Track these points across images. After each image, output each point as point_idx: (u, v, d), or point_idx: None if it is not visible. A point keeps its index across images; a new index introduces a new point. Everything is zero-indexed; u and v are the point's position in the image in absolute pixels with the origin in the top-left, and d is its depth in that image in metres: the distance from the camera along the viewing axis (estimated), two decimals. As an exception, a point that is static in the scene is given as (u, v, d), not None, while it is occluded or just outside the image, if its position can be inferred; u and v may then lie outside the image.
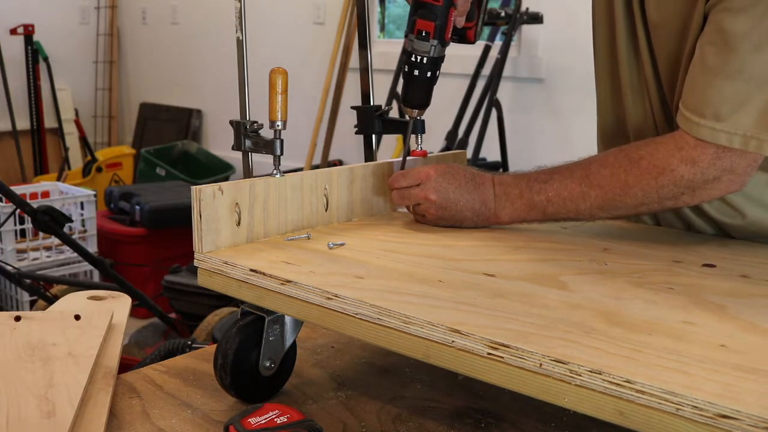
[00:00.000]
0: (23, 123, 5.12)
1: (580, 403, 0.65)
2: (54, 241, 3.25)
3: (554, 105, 3.44)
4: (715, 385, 0.61)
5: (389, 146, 3.84)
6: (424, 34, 1.11)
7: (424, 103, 1.16)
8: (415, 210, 1.11)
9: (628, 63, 1.12)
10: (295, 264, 0.90)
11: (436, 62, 1.12)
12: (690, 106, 0.96)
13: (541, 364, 0.67)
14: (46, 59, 5.17)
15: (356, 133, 1.24)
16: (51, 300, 2.43)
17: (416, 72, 1.12)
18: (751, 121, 0.92)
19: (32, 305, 3.01)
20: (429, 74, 1.12)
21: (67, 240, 2.44)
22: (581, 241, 1.05)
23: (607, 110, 1.18)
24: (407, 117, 1.18)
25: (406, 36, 1.13)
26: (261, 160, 1.06)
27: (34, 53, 5.13)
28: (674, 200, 0.99)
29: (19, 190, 3.08)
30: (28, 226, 3.19)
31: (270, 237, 1.01)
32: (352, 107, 1.25)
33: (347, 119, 3.99)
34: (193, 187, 0.93)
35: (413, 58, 1.12)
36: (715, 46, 0.94)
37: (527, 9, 3.33)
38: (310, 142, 4.15)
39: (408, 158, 1.18)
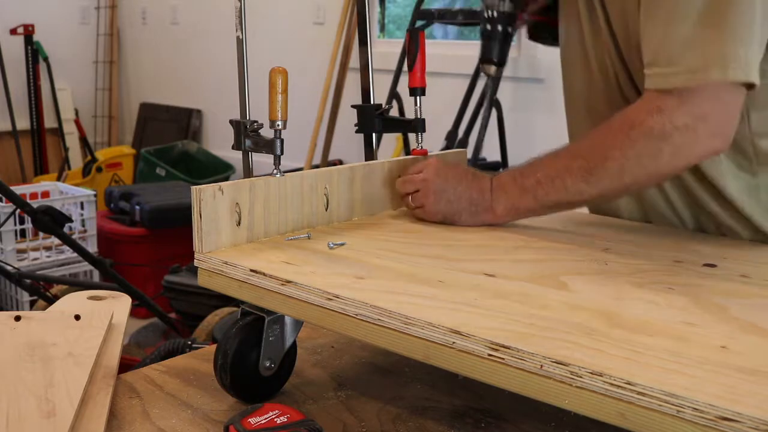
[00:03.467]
0: (23, 123, 5.12)
1: (581, 404, 0.65)
2: (54, 241, 3.25)
3: (554, 105, 3.44)
4: (716, 387, 0.61)
5: (389, 145, 3.84)
6: None
7: (498, 58, 1.20)
8: (414, 198, 1.12)
9: (604, 79, 1.13)
10: (296, 264, 0.90)
11: (508, 18, 1.17)
12: (647, 63, 0.98)
13: (541, 366, 0.66)
14: (46, 59, 5.17)
15: (357, 131, 1.24)
16: (51, 300, 2.43)
17: (489, 26, 1.18)
18: (697, 55, 0.94)
19: (32, 305, 3.01)
20: (501, 29, 1.18)
21: (67, 240, 2.44)
22: (582, 241, 1.05)
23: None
24: (483, 74, 1.24)
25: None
26: (261, 160, 1.06)
27: (34, 53, 5.13)
28: (654, 159, 0.97)
29: (19, 190, 3.08)
30: (28, 226, 3.19)
31: (270, 237, 1.01)
32: (353, 106, 1.25)
33: (347, 119, 3.99)
34: (193, 187, 0.93)
35: (486, 14, 1.18)
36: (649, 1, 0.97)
37: (527, 9, 3.32)
38: (310, 141, 4.15)
39: (407, 157, 1.19)
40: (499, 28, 1.17)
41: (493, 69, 1.21)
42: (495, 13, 1.17)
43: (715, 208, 1.09)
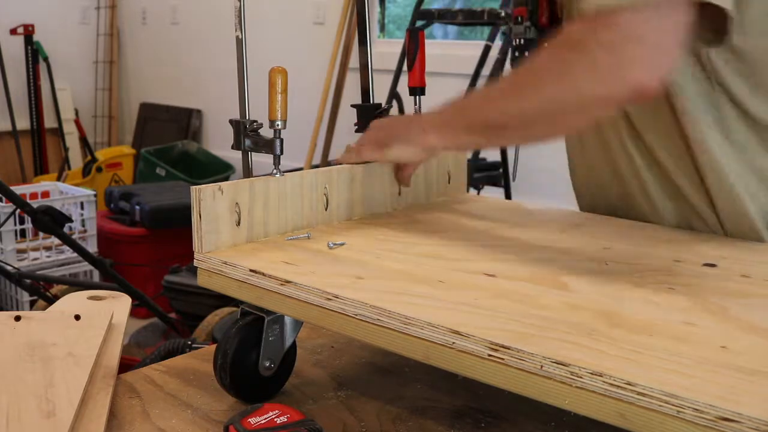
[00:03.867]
0: (23, 123, 5.12)
1: (581, 405, 0.65)
2: (54, 241, 3.25)
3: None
4: (716, 387, 0.61)
5: (389, 146, 3.84)
6: (519, 20, 1.23)
7: None
8: (357, 141, 1.13)
9: None
10: (295, 264, 0.90)
11: (534, 44, 1.22)
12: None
13: (542, 366, 0.66)
14: (46, 59, 5.17)
15: (356, 131, 1.24)
16: (51, 300, 2.43)
17: (517, 54, 1.23)
18: None
19: (32, 305, 3.01)
20: (528, 54, 1.23)
21: (67, 240, 2.44)
22: (582, 240, 1.05)
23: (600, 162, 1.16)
24: None
25: (510, 31, 1.29)
26: (261, 160, 1.06)
27: (34, 53, 5.13)
28: (570, 73, 0.89)
29: (19, 190, 3.08)
30: (28, 226, 3.19)
31: (270, 237, 1.00)
32: (353, 105, 1.25)
33: (347, 119, 3.98)
34: (193, 187, 0.93)
35: (514, 42, 1.26)
36: None
37: (528, 9, 3.32)
38: (310, 141, 4.15)
39: None
40: (527, 54, 1.24)
41: None
42: (522, 41, 1.23)
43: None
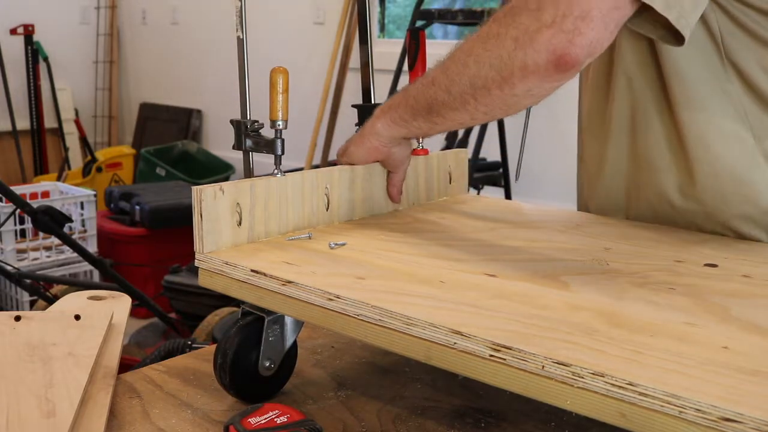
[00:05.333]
0: (23, 123, 5.13)
1: (582, 405, 0.65)
2: (54, 241, 3.25)
3: (554, 105, 3.44)
4: (718, 387, 0.61)
5: (389, 146, 3.84)
6: None
7: None
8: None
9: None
10: (296, 264, 0.90)
11: None
12: None
13: (543, 367, 0.66)
14: (46, 59, 5.17)
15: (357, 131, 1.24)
16: (51, 300, 2.43)
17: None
18: None
19: (32, 305, 3.01)
20: None
21: (67, 240, 2.44)
22: (582, 241, 1.05)
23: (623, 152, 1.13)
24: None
25: None
26: (261, 160, 1.06)
27: (34, 53, 5.13)
28: (498, 41, 0.86)
29: (19, 190, 3.08)
30: (28, 226, 3.19)
31: (271, 237, 1.00)
32: (353, 105, 1.25)
33: (347, 119, 3.99)
34: (194, 188, 0.93)
35: None
36: None
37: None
38: (310, 142, 4.15)
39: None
40: None
41: None
42: None
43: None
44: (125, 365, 1.08)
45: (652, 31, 0.91)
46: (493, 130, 3.35)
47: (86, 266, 3.28)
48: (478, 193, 3.14)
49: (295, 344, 0.97)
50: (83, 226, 3.46)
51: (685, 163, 1.07)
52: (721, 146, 1.04)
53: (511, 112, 0.94)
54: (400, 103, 1.01)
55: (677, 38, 0.89)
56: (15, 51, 5.10)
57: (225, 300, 2.46)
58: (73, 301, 1.15)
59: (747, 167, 1.04)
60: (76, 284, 2.81)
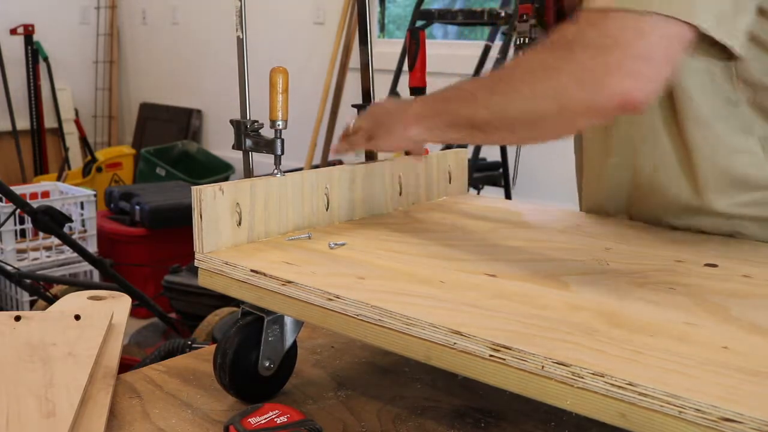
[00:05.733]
0: (23, 123, 5.12)
1: (582, 405, 0.65)
2: (54, 241, 3.25)
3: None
4: (717, 387, 0.61)
5: (389, 146, 3.84)
6: (524, 17, 1.19)
7: None
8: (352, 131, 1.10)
9: None
10: (296, 264, 0.90)
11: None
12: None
13: (543, 367, 0.66)
14: (46, 59, 5.17)
15: (357, 132, 1.24)
16: (51, 300, 2.43)
17: (521, 53, 1.20)
18: None
19: (32, 305, 3.01)
20: None
21: (67, 240, 2.44)
22: (582, 240, 1.05)
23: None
24: None
25: (514, 29, 1.22)
26: (261, 160, 1.06)
27: (34, 53, 5.13)
28: (556, 73, 0.84)
29: (19, 190, 3.07)
30: (28, 226, 3.19)
31: (271, 237, 1.00)
32: (353, 105, 1.25)
33: (347, 119, 3.98)
34: (194, 188, 0.93)
35: (517, 41, 1.21)
36: None
37: (528, 9, 3.32)
38: (310, 142, 4.15)
39: (408, 156, 1.19)
40: None
41: None
42: (527, 40, 1.19)
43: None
44: (125, 365, 1.08)
45: (706, 52, 0.92)
46: (493, 130, 3.35)
47: (86, 266, 3.28)
48: (478, 193, 3.14)
49: (294, 344, 0.97)
50: (83, 226, 3.46)
51: (693, 177, 1.06)
52: (729, 160, 1.03)
53: (555, 138, 0.94)
54: (435, 113, 0.99)
55: (726, 51, 0.89)
56: (15, 51, 5.10)
57: (225, 300, 2.46)
58: (73, 301, 1.15)
59: (756, 177, 1.04)
60: (76, 284, 2.81)
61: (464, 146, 3.36)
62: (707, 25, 0.83)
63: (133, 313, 1.20)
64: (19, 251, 3.29)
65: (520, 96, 0.88)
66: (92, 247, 3.39)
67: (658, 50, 0.82)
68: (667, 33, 0.82)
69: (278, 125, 0.99)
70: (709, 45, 0.90)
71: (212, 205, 0.93)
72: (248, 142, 1.03)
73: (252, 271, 0.89)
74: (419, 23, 3.43)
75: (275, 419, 0.80)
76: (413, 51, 1.19)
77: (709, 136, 1.02)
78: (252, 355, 0.93)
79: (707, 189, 1.06)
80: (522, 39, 1.21)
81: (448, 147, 2.94)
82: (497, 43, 3.43)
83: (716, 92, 1.01)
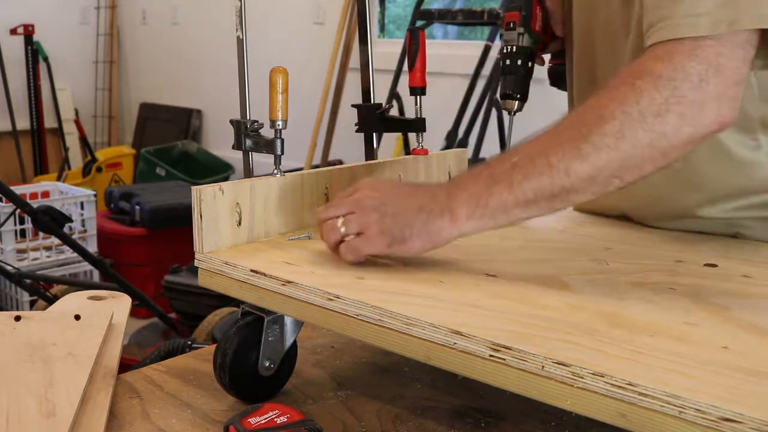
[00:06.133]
0: (23, 123, 5.12)
1: (582, 405, 0.65)
2: (54, 241, 3.25)
3: (554, 105, 3.44)
4: (718, 387, 0.61)
5: (390, 145, 3.84)
6: (512, 25, 1.17)
7: (519, 93, 1.19)
8: (348, 225, 0.87)
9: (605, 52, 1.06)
10: (296, 264, 0.90)
11: (526, 52, 1.17)
12: (649, 24, 0.85)
13: (543, 367, 0.66)
14: (46, 59, 5.16)
15: (357, 131, 1.24)
16: (51, 300, 2.43)
17: (508, 61, 1.17)
18: (713, 3, 0.81)
19: (32, 305, 3.01)
20: (520, 62, 1.17)
21: (67, 240, 2.44)
22: (582, 240, 1.05)
23: None
24: (506, 111, 1.23)
25: (500, 36, 1.21)
26: (261, 160, 1.06)
27: (34, 53, 5.13)
28: (661, 120, 0.79)
29: (19, 190, 3.07)
30: (28, 226, 3.19)
31: (271, 237, 1.00)
32: (353, 105, 1.25)
33: (347, 119, 3.99)
34: (194, 187, 0.93)
35: (505, 50, 1.18)
36: None
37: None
38: (310, 142, 4.15)
39: (407, 156, 1.18)
40: (519, 62, 1.17)
41: (515, 104, 1.20)
42: (514, 48, 1.17)
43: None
44: (125, 365, 1.08)
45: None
46: (493, 129, 3.34)
47: (86, 266, 3.28)
48: (478, 193, 3.14)
49: (294, 344, 0.97)
50: (83, 226, 3.46)
51: (695, 188, 1.06)
52: (736, 170, 1.02)
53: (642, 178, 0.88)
54: (495, 190, 0.84)
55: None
56: (15, 51, 5.10)
57: (225, 300, 2.45)
58: (73, 301, 1.15)
59: (761, 181, 1.03)
60: (76, 284, 2.81)
61: (464, 146, 3.35)
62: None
63: (133, 313, 1.20)
64: (19, 251, 3.29)
65: (619, 153, 0.80)
66: (92, 247, 3.39)
67: (742, 68, 0.82)
68: (745, 48, 0.82)
69: (278, 125, 0.99)
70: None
71: (212, 205, 0.93)
72: (248, 142, 1.03)
73: (252, 271, 0.88)
74: (419, 23, 3.43)
75: (275, 419, 0.80)
76: (413, 51, 1.18)
77: (716, 148, 1.00)
78: (252, 355, 0.93)
79: (709, 200, 1.06)
80: (510, 47, 1.18)
81: (447, 147, 2.93)
82: (497, 43, 3.43)
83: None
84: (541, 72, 1.25)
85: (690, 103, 0.80)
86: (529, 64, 1.18)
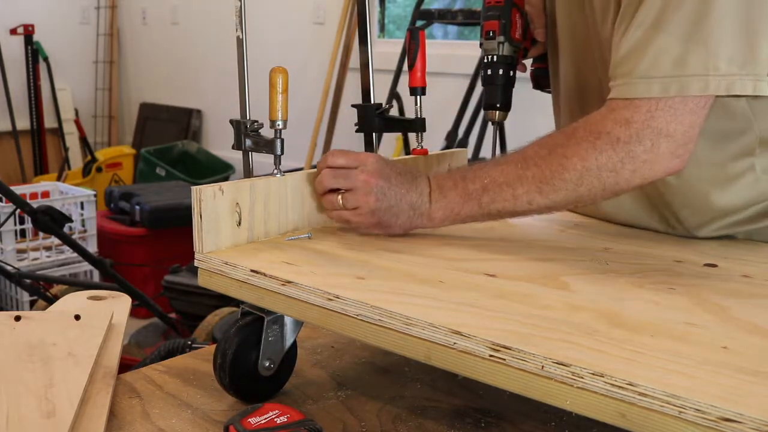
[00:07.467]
0: (23, 123, 5.12)
1: (582, 405, 0.65)
2: (54, 241, 3.25)
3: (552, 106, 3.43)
4: (717, 387, 0.61)
5: (389, 145, 3.84)
6: (491, 34, 1.17)
7: (501, 103, 1.18)
8: (346, 198, 1.00)
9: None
10: (296, 264, 0.90)
11: (507, 60, 1.16)
12: (613, 73, 0.94)
13: (543, 367, 0.66)
14: (46, 59, 5.17)
15: (357, 131, 1.24)
16: (51, 300, 2.43)
17: (489, 71, 1.15)
18: (669, 66, 0.89)
19: (32, 305, 3.01)
20: (501, 72, 1.15)
21: (67, 240, 2.43)
22: (582, 240, 1.05)
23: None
24: (490, 121, 1.22)
25: (480, 45, 1.19)
26: (260, 161, 1.06)
27: (34, 53, 5.13)
28: (614, 174, 0.92)
29: (19, 190, 3.07)
30: (28, 226, 3.19)
31: (270, 237, 1.00)
32: (353, 105, 1.25)
33: (347, 119, 3.98)
34: (194, 187, 0.93)
35: (485, 59, 1.16)
36: (623, 12, 0.95)
37: (527, 9, 3.32)
38: (310, 142, 4.15)
39: (408, 156, 1.18)
40: (500, 72, 1.16)
41: (497, 115, 1.19)
42: (495, 58, 1.16)
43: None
44: (125, 365, 1.08)
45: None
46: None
47: (86, 266, 3.28)
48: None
49: (294, 344, 0.97)
50: (83, 226, 3.46)
51: (680, 217, 1.08)
52: (722, 194, 1.05)
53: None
54: (465, 208, 0.99)
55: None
56: (15, 51, 5.10)
57: (225, 300, 2.46)
58: (73, 301, 1.15)
59: (748, 198, 1.04)
60: (76, 284, 2.81)
61: (464, 146, 3.36)
62: (724, 89, 0.89)
63: (133, 313, 1.20)
64: (19, 251, 3.28)
65: (578, 190, 0.94)
66: (92, 247, 3.39)
67: (693, 130, 0.91)
68: (698, 113, 0.91)
69: (278, 125, 0.99)
70: None
71: (212, 205, 0.93)
72: (248, 142, 1.03)
73: (252, 271, 0.88)
74: (419, 23, 3.43)
75: (275, 419, 0.80)
76: (413, 51, 1.19)
77: (702, 174, 1.03)
78: (252, 355, 0.93)
79: (695, 226, 1.08)
80: (490, 57, 1.17)
81: (447, 147, 2.93)
82: (497, 43, 3.43)
83: (716, 134, 1.02)
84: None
85: (643, 162, 0.92)
86: (511, 73, 1.17)
